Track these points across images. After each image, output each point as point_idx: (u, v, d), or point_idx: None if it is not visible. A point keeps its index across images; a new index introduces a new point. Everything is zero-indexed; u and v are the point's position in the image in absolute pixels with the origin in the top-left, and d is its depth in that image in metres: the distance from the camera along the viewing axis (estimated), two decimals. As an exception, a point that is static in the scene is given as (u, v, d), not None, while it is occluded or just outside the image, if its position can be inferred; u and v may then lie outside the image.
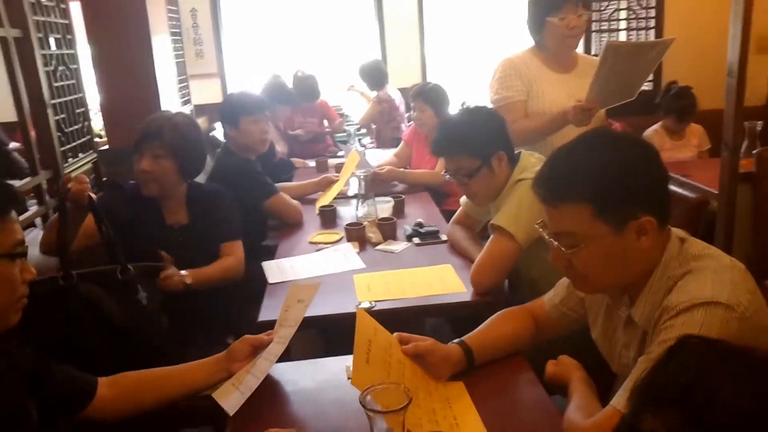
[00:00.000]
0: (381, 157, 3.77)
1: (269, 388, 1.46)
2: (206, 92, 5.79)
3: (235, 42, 6.18)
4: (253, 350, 1.47)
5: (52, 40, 2.84)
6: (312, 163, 3.96)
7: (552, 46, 2.52)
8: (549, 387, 1.42)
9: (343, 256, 2.32)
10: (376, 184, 3.17)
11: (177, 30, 5.10)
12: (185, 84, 5.16)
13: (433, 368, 1.43)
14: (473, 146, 2.00)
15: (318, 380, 1.53)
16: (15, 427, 1.20)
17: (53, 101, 2.74)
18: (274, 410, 1.40)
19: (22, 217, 2.40)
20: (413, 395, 1.30)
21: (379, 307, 1.91)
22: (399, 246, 2.39)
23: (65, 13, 2.97)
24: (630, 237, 1.16)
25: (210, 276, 2.12)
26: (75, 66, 3.03)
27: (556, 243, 1.23)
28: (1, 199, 1.15)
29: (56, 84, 2.80)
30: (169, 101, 4.00)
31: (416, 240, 2.43)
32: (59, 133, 2.78)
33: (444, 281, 2.05)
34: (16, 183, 2.46)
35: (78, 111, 3.03)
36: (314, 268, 2.24)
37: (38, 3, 2.70)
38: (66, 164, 2.81)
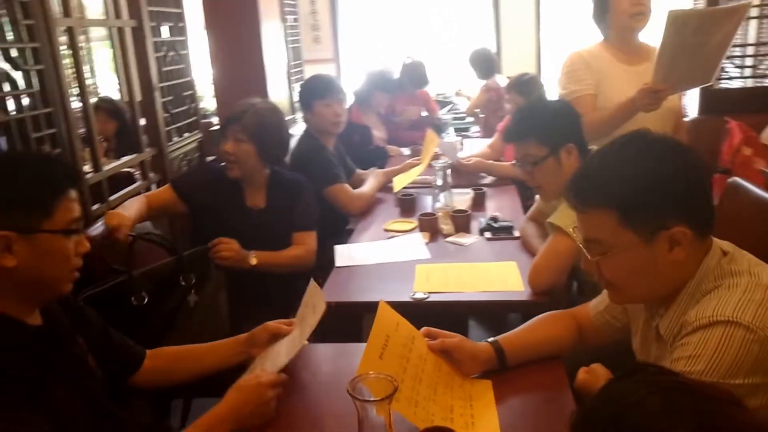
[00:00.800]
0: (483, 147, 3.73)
1: (293, 367, 1.51)
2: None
3: (351, 28, 6.31)
4: (272, 338, 1.51)
5: (165, 29, 3.06)
6: (407, 151, 3.99)
7: (618, 30, 2.41)
8: (578, 395, 1.38)
9: (412, 246, 2.34)
10: (462, 175, 3.16)
11: (294, 16, 5.30)
12: (299, 69, 5.36)
13: (461, 365, 1.43)
14: (542, 133, 1.94)
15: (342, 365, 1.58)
16: (86, 380, 1.31)
17: (161, 84, 2.96)
18: (293, 389, 1.44)
19: (126, 190, 2.63)
20: (432, 390, 1.32)
21: (432, 298, 1.92)
22: (469, 239, 2.38)
23: (178, 3, 3.18)
24: (661, 248, 1.10)
25: (278, 261, 2.23)
26: (185, 52, 3.25)
27: (585, 250, 1.19)
28: (60, 178, 1.25)
29: (165, 69, 3.02)
30: (277, 85, 4.17)
31: (488, 234, 2.40)
32: (166, 114, 3.00)
33: (504, 278, 2.02)
34: (123, 159, 2.69)
35: (185, 94, 3.24)
36: (380, 255, 2.28)
37: (152, -6, 2.92)
38: (171, 143, 3.03)
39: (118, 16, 2.66)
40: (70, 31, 2.33)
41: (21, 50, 2.03)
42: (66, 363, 1.27)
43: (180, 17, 3.21)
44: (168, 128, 3.03)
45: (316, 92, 2.91)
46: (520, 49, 5.92)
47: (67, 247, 1.23)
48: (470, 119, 5.44)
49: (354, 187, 3.20)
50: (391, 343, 1.31)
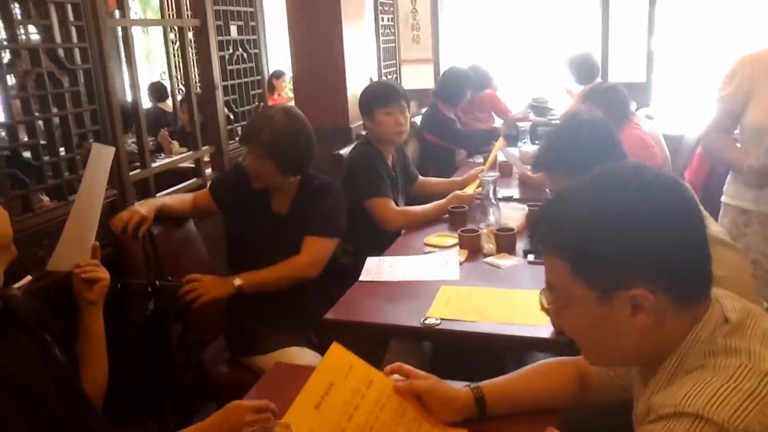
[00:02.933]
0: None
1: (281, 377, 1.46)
2: (419, 77, 5.90)
3: (452, 28, 6.17)
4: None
5: (234, 28, 3.09)
6: (480, 159, 3.82)
7: None
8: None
9: (444, 264, 2.21)
10: (528, 189, 2.97)
11: (390, 16, 5.25)
12: (393, 69, 5.31)
13: (433, 411, 1.30)
14: (569, 163, 1.76)
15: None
16: (52, 366, 1.35)
17: (224, 83, 2.99)
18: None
19: (180, 186, 2.69)
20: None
21: (444, 326, 1.79)
22: (508, 261, 2.20)
23: (251, 2, 3.21)
24: (621, 310, 0.91)
25: (263, 280, 2.13)
26: (256, 50, 3.27)
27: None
28: None
29: (230, 67, 3.05)
30: (360, 84, 4.13)
31: (531, 257, 2.22)
32: (228, 113, 3.03)
33: (528, 310, 1.84)
34: (175, 156, 2.75)
35: (253, 92, 3.26)
36: (408, 272, 2.17)
37: (220, -7, 2.96)
38: (232, 141, 3.06)
39: (179, 15, 2.70)
40: (124, 31, 2.39)
41: (68, 50, 2.10)
42: (34, 345, 1.33)
43: (252, 16, 3.23)
44: (230, 126, 3.06)
45: (377, 99, 2.80)
46: (630, 51, 5.51)
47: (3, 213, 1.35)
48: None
49: (415, 194, 3.11)
50: (336, 390, 1.21)
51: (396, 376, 1.33)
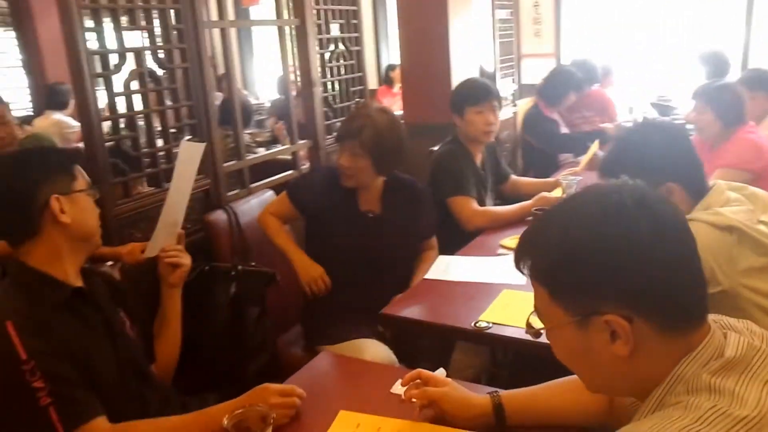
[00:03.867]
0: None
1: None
2: (538, 72, 5.76)
3: (575, 22, 5.95)
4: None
5: (336, 26, 3.21)
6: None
7: None
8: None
9: (510, 268, 2.17)
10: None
11: (509, 10, 5.17)
12: (510, 64, 5.23)
13: (450, 417, 1.32)
14: (635, 170, 1.66)
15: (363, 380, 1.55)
16: (120, 342, 1.51)
17: (323, 80, 3.12)
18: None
19: (275, 177, 2.85)
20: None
21: (494, 330, 1.78)
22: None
23: (354, 1, 3.31)
24: (599, 336, 0.87)
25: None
26: (358, 48, 3.37)
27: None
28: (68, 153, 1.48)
29: (330, 64, 3.17)
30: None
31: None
32: (326, 109, 3.16)
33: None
34: (271, 150, 2.91)
35: (353, 89, 3.37)
36: (475, 274, 2.16)
37: (322, -6, 3.09)
38: (329, 136, 3.18)
39: (278, 16, 2.85)
40: (222, 33, 2.57)
41: (168, 51, 2.31)
42: (103, 324, 1.49)
43: (354, 14, 3.33)
44: (328, 122, 3.18)
45: (469, 97, 2.77)
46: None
47: (91, 205, 1.48)
48: (691, 126, 4.81)
49: (507, 193, 3.07)
50: None
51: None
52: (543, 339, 1.67)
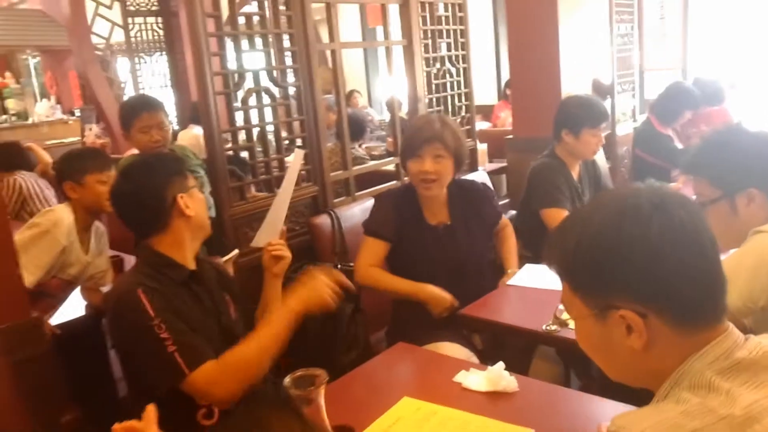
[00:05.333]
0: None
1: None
2: (663, 86, 5.60)
3: (702, 34, 5.72)
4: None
5: (443, 45, 3.38)
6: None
7: None
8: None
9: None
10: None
11: (630, 24, 5.08)
12: (629, 78, 5.13)
13: None
14: (715, 172, 1.67)
15: (431, 370, 1.68)
16: (226, 320, 1.77)
17: (428, 96, 3.29)
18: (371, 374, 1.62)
19: (379, 186, 3.04)
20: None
21: (564, 333, 1.85)
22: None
23: (462, 20, 3.46)
24: (617, 329, 0.93)
25: None
26: (465, 65, 3.52)
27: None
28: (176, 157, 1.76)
29: (436, 82, 3.34)
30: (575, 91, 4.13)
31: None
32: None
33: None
34: (375, 162, 3.11)
35: (459, 104, 3.52)
36: (557, 283, 2.22)
37: (430, 15, 3.26)
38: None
39: (385, 37, 3.07)
40: (333, 53, 2.82)
41: (282, 71, 2.58)
42: (211, 302, 1.75)
43: (462, 33, 3.48)
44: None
45: (590, 119, 2.77)
46: None
47: (200, 197, 1.76)
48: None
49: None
50: (403, 421, 1.45)
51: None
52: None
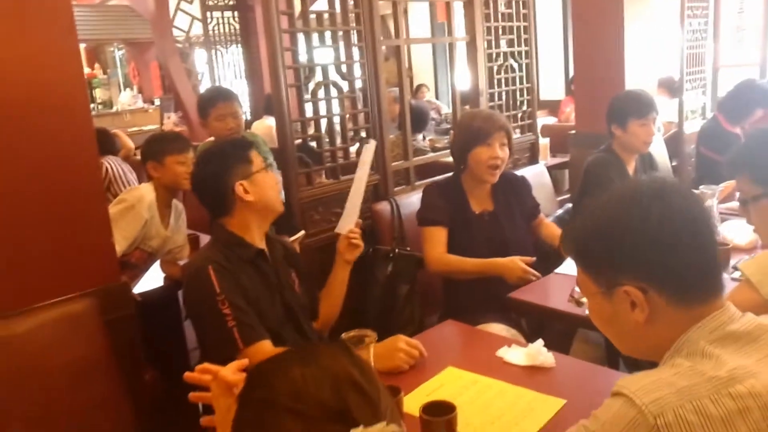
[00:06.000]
0: None
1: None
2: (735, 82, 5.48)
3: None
4: None
5: (504, 41, 3.47)
6: None
7: None
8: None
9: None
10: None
11: (704, 20, 5.00)
12: (699, 75, 5.06)
13: None
14: (756, 170, 1.72)
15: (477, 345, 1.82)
16: (288, 296, 1.94)
17: (490, 90, 3.39)
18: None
19: (438, 177, 3.17)
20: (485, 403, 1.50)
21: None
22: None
23: (525, 17, 3.54)
24: (622, 305, 1.04)
25: None
26: (527, 61, 3.60)
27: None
28: (246, 142, 1.93)
29: (498, 77, 3.43)
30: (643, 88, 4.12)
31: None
32: (491, 116, 3.43)
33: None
34: (434, 153, 3.23)
35: (521, 99, 3.60)
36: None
37: (494, 13, 3.36)
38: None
39: (449, 33, 3.19)
40: (397, 49, 2.96)
41: (350, 66, 2.74)
42: (276, 279, 1.91)
43: (525, 29, 3.56)
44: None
45: (635, 110, 2.84)
46: None
47: (268, 179, 1.89)
48: None
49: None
50: (445, 387, 1.58)
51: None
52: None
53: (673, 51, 4.74)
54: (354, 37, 2.75)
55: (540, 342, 1.69)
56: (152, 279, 2.66)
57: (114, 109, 9.98)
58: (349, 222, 2.17)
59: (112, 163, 4.01)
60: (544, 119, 6.80)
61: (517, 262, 2.24)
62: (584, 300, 1.15)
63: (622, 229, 1.03)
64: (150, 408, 2.09)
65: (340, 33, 2.72)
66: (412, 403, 1.43)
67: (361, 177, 2.19)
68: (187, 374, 1.18)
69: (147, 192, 2.57)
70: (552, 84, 7.66)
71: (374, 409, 0.74)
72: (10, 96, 1.75)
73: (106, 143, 4.12)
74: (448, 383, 1.60)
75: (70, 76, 1.87)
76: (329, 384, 0.74)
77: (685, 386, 0.91)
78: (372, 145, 2.38)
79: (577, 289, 1.21)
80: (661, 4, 4.48)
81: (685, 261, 1.01)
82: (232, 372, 1.08)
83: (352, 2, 2.74)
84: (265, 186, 1.85)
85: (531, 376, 1.60)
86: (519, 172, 3.27)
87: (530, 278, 2.22)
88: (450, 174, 2.61)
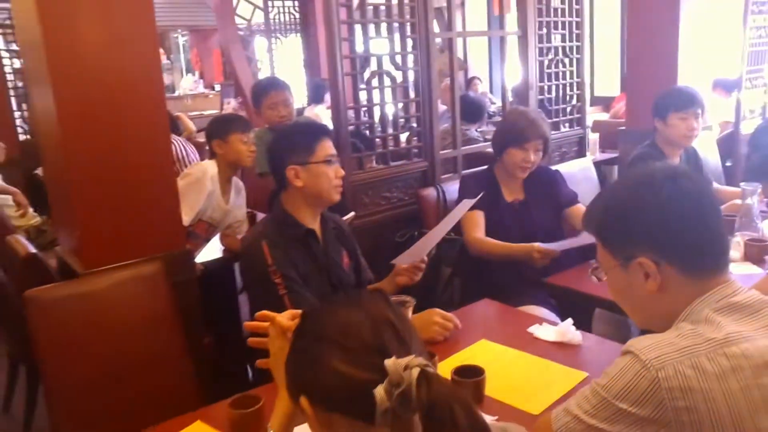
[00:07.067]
0: None
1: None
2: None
3: None
4: None
5: (558, 36, 3.55)
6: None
7: None
8: None
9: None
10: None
11: (766, 15, 4.93)
12: (758, 74, 4.99)
13: None
14: None
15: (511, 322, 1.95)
16: (335, 275, 2.07)
17: (540, 84, 3.48)
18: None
19: (483, 168, 3.29)
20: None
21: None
22: (745, 269, 2.24)
23: (578, 13, 3.60)
24: (637, 276, 1.15)
25: None
26: (578, 56, 3.66)
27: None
28: (316, 132, 2.03)
29: (548, 71, 3.51)
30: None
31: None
32: (540, 109, 3.51)
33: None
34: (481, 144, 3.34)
35: (570, 93, 3.67)
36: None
37: (546, 8, 3.43)
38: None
39: (501, 27, 3.28)
40: (449, 42, 3.08)
41: (403, 56, 2.88)
42: (324, 258, 2.05)
43: (578, 25, 3.62)
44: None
45: (674, 103, 2.91)
46: None
47: (326, 171, 1.98)
48: None
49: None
50: (476, 357, 1.70)
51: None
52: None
53: (732, 50, 4.69)
54: (408, 29, 2.88)
55: (569, 321, 1.80)
56: (212, 250, 2.86)
57: (176, 93, 10.38)
58: (411, 258, 2.17)
59: (177, 143, 4.25)
60: (597, 115, 6.79)
61: (535, 246, 2.38)
62: (602, 276, 1.27)
63: (637, 206, 1.15)
64: (206, 368, 2.28)
65: (395, 25, 2.85)
66: (446, 368, 1.56)
67: (443, 227, 2.19)
68: (247, 323, 1.34)
69: (210, 167, 2.79)
70: (608, 81, 7.62)
71: (405, 345, 0.88)
72: (99, 78, 1.96)
73: (171, 124, 4.35)
74: (480, 354, 1.73)
75: (148, 60, 2.07)
76: (369, 323, 0.88)
77: (685, 346, 1.02)
78: (467, 203, 2.31)
79: (592, 262, 1.32)
80: (722, 1, 4.44)
81: (692, 236, 1.12)
82: (287, 318, 1.23)
83: (407, -4, 2.88)
84: (319, 177, 1.94)
85: (558, 351, 1.71)
86: (565, 165, 3.37)
87: (549, 258, 2.35)
88: (485, 167, 2.76)
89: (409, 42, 2.90)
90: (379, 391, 0.82)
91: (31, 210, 4.20)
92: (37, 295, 1.83)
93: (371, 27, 2.79)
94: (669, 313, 1.15)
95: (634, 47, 4.11)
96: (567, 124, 3.71)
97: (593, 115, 6.70)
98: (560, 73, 3.62)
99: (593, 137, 4.57)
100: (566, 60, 3.63)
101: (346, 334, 0.87)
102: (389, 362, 0.83)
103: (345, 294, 1.01)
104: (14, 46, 5.65)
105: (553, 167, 2.97)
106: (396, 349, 0.86)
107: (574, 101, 3.74)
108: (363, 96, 2.83)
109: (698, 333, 1.05)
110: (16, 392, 2.92)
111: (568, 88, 3.68)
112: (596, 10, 7.68)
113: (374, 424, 0.83)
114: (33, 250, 2.48)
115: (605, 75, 7.65)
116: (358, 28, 2.77)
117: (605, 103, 7.41)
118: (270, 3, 6.57)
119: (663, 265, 1.12)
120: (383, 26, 2.84)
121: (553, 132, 3.58)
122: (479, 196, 2.38)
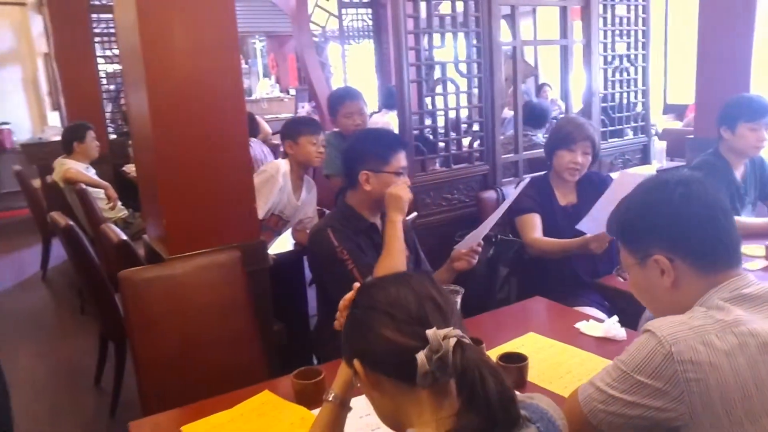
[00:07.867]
0: None
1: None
2: None
3: None
4: None
5: (623, 45, 3.59)
6: None
7: None
8: None
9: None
10: None
11: None
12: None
13: None
14: None
15: (560, 318, 2.05)
16: None
17: (603, 92, 3.53)
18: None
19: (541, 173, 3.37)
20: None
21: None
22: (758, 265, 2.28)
23: (644, 21, 3.63)
24: (653, 272, 1.25)
25: None
26: (644, 64, 3.69)
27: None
28: (393, 143, 2.18)
29: (612, 78, 3.56)
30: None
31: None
32: (603, 117, 3.57)
33: None
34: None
35: (633, 101, 3.70)
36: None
37: (611, 17, 3.49)
38: (603, 142, 3.57)
39: (564, 36, 3.36)
40: (513, 50, 3.19)
41: (468, 65, 3.01)
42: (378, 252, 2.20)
43: (643, 34, 3.65)
44: (603, 129, 3.58)
45: (745, 113, 2.88)
46: None
47: (396, 182, 2.12)
48: None
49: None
50: (523, 348, 1.79)
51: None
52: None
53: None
54: (473, 38, 3.00)
55: (615, 318, 1.89)
56: (284, 244, 3.07)
57: (252, 96, 10.77)
58: (467, 244, 2.32)
59: (254, 144, 4.52)
60: (669, 123, 6.69)
61: (588, 237, 2.45)
62: (626, 274, 1.37)
63: (652, 209, 1.27)
64: (275, 352, 2.47)
65: (461, 34, 2.98)
66: (493, 355, 1.69)
67: (496, 215, 2.32)
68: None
69: (283, 164, 3.02)
70: (682, 89, 7.48)
71: (446, 318, 1.02)
72: (186, 83, 2.18)
73: (249, 126, 4.63)
74: (527, 344, 1.84)
75: (231, 64, 2.28)
76: (414, 298, 1.02)
77: (697, 325, 1.13)
78: (519, 187, 2.43)
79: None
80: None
81: (702, 234, 1.22)
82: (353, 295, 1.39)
83: (473, 5, 3.00)
84: (388, 186, 2.10)
85: (602, 345, 1.81)
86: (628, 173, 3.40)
87: (606, 242, 2.41)
88: (541, 173, 2.86)
89: (474, 50, 3.02)
90: (421, 356, 0.95)
91: (119, 203, 4.56)
92: (129, 276, 2.05)
93: (437, 36, 2.93)
94: (684, 306, 1.24)
95: (704, 52, 4.06)
96: (631, 132, 3.74)
97: (665, 123, 6.61)
98: (624, 81, 3.65)
99: (660, 145, 4.55)
100: (631, 69, 3.66)
101: (395, 306, 1.02)
102: (430, 332, 0.96)
103: (395, 274, 1.15)
104: (108, 53, 6.07)
105: (613, 174, 3.03)
106: (437, 321, 1.00)
107: (638, 108, 3.76)
108: (428, 101, 2.97)
109: (709, 315, 1.16)
110: (105, 369, 3.22)
111: (632, 96, 3.71)
112: (674, 15, 7.56)
113: (416, 386, 0.97)
114: (124, 237, 2.75)
115: (679, 83, 7.51)
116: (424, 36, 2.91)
117: (679, 111, 7.28)
118: (344, 10, 6.80)
119: (677, 261, 1.23)
120: (448, 35, 2.97)
121: (616, 139, 3.63)
122: (526, 179, 2.50)
